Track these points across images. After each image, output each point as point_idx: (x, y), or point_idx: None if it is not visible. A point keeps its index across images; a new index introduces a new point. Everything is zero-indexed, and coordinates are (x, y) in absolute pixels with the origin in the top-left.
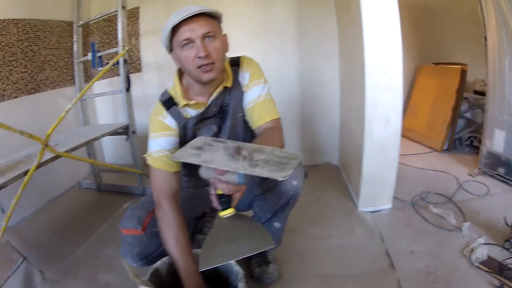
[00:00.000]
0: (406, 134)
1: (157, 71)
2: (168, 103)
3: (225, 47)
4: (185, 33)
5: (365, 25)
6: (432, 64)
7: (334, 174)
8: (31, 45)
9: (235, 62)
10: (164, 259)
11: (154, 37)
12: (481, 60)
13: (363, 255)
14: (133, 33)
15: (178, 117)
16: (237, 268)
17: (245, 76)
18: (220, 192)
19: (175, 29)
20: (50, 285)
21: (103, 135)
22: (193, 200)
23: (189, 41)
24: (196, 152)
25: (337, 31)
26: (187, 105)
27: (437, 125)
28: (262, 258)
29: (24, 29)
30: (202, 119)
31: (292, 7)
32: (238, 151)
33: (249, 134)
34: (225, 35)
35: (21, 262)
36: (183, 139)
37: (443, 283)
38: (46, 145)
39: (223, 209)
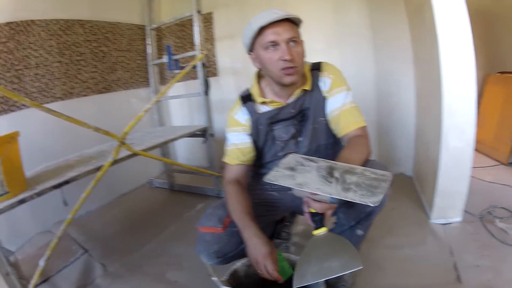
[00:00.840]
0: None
1: (234, 76)
2: (246, 98)
3: (304, 53)
4: (271, 35)
5: (439, 32)
6: (498, 73)
7: (408, 185)
8: (100, 46)
9: (316, 67)
10: (244, 260)
11: (230, 42)
12: None
13: (433, 267)
14: (208, 38)
15: (251, 111)
16: None
17: (326, 82)
18: (313, 210)
19: (260, 30)
20: (112, 279)
21: (182, 136)
22: (274, 203)
23: (275, 44)
24: (289, 173)
25: (410, 37)
26: (263, 103)
27: (504, 137)
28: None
29: (91, 30)
30: (279, 119)
31: (365, 12)
32: (330, 172)
33: (332, 140)
34: (303, 41)
35: (81, 254)
36: (255, 135)
37: None
38: (123, 143)
39: (316, 228)
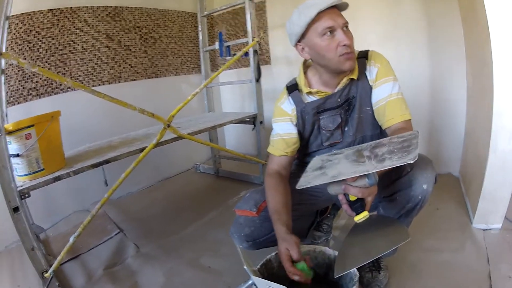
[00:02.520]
0: None
1: (287, 65)
2: (292, 88)
3: None
4: (327, 21)
5: (491, 29)
6: None
7: (454, 185)
8: (150, 32)
9: (363, 55)
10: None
11: (283, 31)
12: None
13: (468, 274)
14: (261, 26)
15: (297, 101)
16: (354, 271)
17: (372, 71)
18: (353, 198)
19: (314, 18)
20: (144, 260)
21: (230, 122)
22: (316, 193)
23: (332, 30)
24: (319, 172)
25: (462, 32)
26: (310, 92)
27: None
28: (375, 264)
29: (141, 17)
30: (325, 109)
31: (419, 5)
32: (360, 154)
33: (377, 132)
34: None
35: (116, 234)
36: (301, 125)
37: None
38: (168, 126)
39: (358, 214)
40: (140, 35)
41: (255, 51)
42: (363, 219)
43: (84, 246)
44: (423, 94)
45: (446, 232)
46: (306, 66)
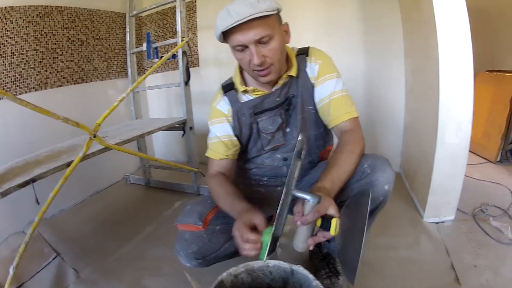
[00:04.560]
0: None
1: (216, 66)
2: (227, 87)
3: (285, 40)
4: (237, 37)
5: (438, 26)
6: (487, 71)
7: (397, 182)
8: (78, 34)
9: (303, 51)
10: (230, 270)
11: (213, 31)
12: None
13: (430, 268)
14: (190, 27)
15: (233, 101)
16: (316, 284)
17: (313, 68)
18: (319, 223)
19: (226, 31)
20: (86, 285)
21: (160, 129)
22: (261, 201)
23: (243, 46)
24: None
25: (401, 31)
26: (245, 91)
27: (492, 135)
28: (331, 269)
29: (70, 17)
30: (263, 109)
31: (357, 5)
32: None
33: (321, 130)
34: (285, 25)
35: (54, 258)
36: (238, 128)
37: None
38: (95, 136)
39: (329, 229)
40: (68, 36)
41: (184, 52)
42: (338, 226)
43: (26, 274)
44: (359, 91)
45: (398, 229)
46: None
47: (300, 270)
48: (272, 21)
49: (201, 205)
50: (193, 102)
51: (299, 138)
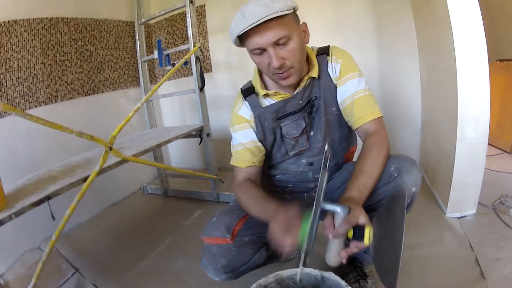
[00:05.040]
0: None
1: (228, 70)
2: (248, 91)
3: (305, 39)
4: (254, 40)
5: (453, 22)
6: (497, 60)
7: None
8: (86, 45)
9: (323, 51)
10: (260, 281)
11: (223, 35)
12: None
13: (455, 264)
14: (201, 32)
15: (254, 105)
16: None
17: (335, 68)
18: (350, 234)
19: (242, 35)
20: None
21: (177, 137)
22: (297, 197)
23: (260, 49)
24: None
25: (414, 27)
26: (266, 95)
27: (506, 124)
28: (359, 272)
29: (77, 28)
30: (286, 113)
31: (369, 1)
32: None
33: (345, 131)
34: (303, 24)
35: (72, 274)
36: (261, 133)
37: None
38: (110, 148)
39: (361, 237)
40: (76, 48)
41: (197, 58)
42: (371, 235)
43: None
44: (373, 89)
45: (421, 226)
46: None
47: (331, 276)
48: (289, 20)
49: (228, 216)
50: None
51: (326, 148)
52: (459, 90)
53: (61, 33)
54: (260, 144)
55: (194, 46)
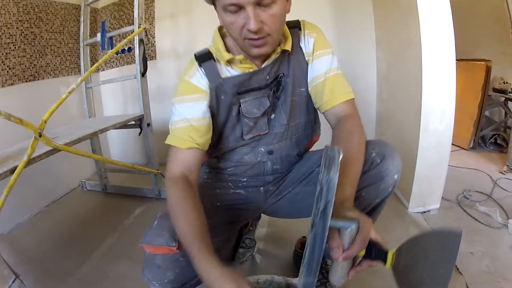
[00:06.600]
0: None
1: (174, 59)
2: (203, 56)
3: (286, 8)
4: None
5: (421, 14)
6: (457, 60)
7: None
8: (31, 27)
9: (294, 24)
10: None
11: (172, 21)
12: (500, 57)
13: None
14: (147, 17)
15: (212, 74)
16: None
17: (309, 43)
18: (362, 253)
19: None
20: None
21: (114, 126)
22: (241, 205)
23: (238, 5)
24: None
25: (373, 19)
26: (230, 62)
27: (465, 122)
28: (324, 274)
29: (25, 9)
30: (249, 89)
31: None
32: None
33: (312, 116)
34: None
35: (13, 281)
36: (216, 108)
37: (503, 282)
38: (40, 135)
39: (385, 259)
40: (22, 30)
41: (141, 40)
42: (393, 257)
43: None
44: None
45: (385, 223)
46: (223, 32)
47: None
48: None
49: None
50: (150, 98)
51: (336, 148)
52: (424, 81)
53: (10, 13)
54: (210, 123)
55: (139, 27)
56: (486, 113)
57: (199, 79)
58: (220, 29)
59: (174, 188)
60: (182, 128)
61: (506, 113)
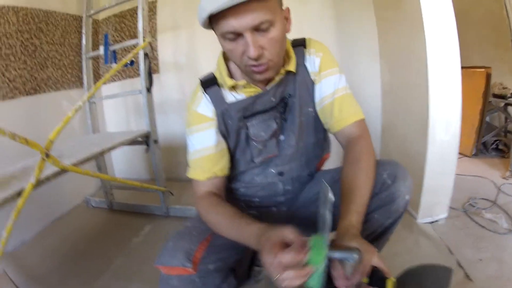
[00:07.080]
0: None
1: (177, 72)
2: (209, 82)
3: (286, 28)
4: (230, 23)
5: (426, 25)
6: None
7: None
8: (32, 38)
9: (299, 43)
10: None
11: (174, 34)
12: (498, 63)
13: None
14: (150, 30)
15: (217, 100)
16: None
17: (315, 62)
18: (365, 280)
19: (215, 14)
20: None
21: (121, 144)
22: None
23: (235, 34)
24: None
25: (376, 31)
26: (234, 88)
27: (466, 129)
28: None
29: (25, 19)
30: (255, 112)
31: (329, 3)
32: None
33: (321, 136)
34: (287, 9)
35: None
36: (224, 132)
37: (511, 285)
38: (47, 155)
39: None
40: (22, 41)
41: (146, 55)
42: (394, 285)
43: None
44: None
45: (395, 234)
46: (227, 56)
47: None
48: (273, 3)
49: (186, 240)
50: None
51: (326, 187)
52: (431, 92)
53: (9, 23)
54: (224, 147)
55: (144, 41)
56: (486, 118)
57: (205, 106)
58: (224, 53)
59: (203, 202)
60: (196, 160)
61: (506, 118)
